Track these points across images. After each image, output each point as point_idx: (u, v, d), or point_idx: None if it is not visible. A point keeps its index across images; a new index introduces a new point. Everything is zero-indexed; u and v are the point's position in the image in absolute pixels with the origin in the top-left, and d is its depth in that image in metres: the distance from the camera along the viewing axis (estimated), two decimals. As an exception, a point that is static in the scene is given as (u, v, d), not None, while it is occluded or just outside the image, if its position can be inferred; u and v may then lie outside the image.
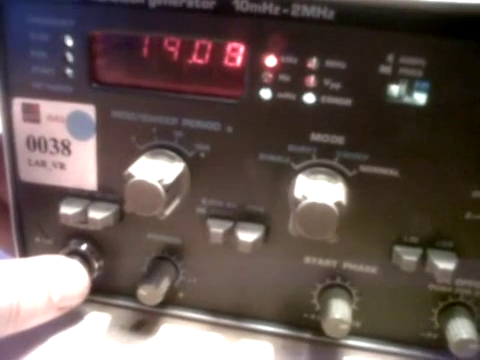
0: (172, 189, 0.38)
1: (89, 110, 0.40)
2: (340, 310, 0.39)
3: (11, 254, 0.47)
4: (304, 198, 0.35)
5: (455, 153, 0.36)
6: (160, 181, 0.36)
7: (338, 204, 0.34)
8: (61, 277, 0.40)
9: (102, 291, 0.46)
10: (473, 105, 0.35)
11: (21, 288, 0.37)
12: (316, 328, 0.42)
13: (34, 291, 0.38)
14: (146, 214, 0.37)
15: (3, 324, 0.35)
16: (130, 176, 0.37)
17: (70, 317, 0.43)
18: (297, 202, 0.35)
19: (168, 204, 0.38)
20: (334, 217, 0.34)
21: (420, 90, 0.35)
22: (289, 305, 0.43)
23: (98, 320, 0.45)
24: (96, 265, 0.45)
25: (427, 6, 0.33)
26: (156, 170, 0.38)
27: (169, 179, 0.37)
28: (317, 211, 0.34)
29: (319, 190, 0.36)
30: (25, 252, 0.47)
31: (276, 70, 0.36)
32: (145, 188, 0.36)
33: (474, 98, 0.35)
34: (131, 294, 0.44)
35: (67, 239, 0.45)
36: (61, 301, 0.40)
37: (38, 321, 0.38)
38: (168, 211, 0.38)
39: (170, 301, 0.45)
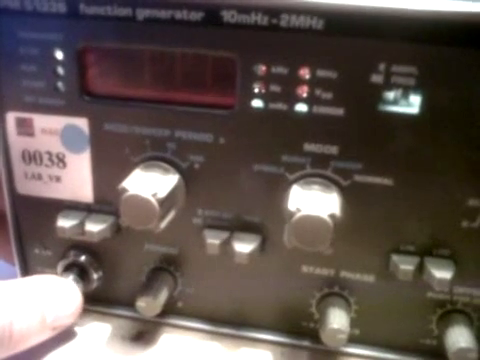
0: (166, 202, 0.38)
1: (82, 123, 0.40)
2: (338, 320, 0.39)
3: (12, 264, 0.47)
4: (298, 210, 0.35)
5: (450, 161, 0.36)
6: (154, 195, 0.36)
7: (332, 216, 0.34)
8: (54, 297, 0.40)
9: (102, 301, 0.47)
10: (466, 113, 0.34)
11: (14, 310, 0.37)
12: (315, 336, 0.42)
13: (27, 312, 0.38)
14: (141, 228, 0.37)
15: None
16: (124, 190, 0.37)
17: (70, 328, 0.43)
18: (291, 214, 0.35)
19: (163, 217, 0.38)
20: (328, 229, 0.34)
21: (413, 99, 0.35)
22: (288, 313, 0.43)
23: (98, 330, 0.45)
24: (95, 276, 0.45)
25: (418, 14, 0.32)
26: (150, 183, 0.38)
27: (163, 192, 0.37)
28: (311, 223, 0.34)
29: (313, 202, 0.35)
30: (25, 263, 0.47)
31: (267, 80, 0.36)
32: (139, 202, 0.36)
33: (467, 106, 0.34)
34: (131, 304, 0.44)
35: (66, 250, 0.45)
36: (54, 321, 0.40)
37: (32, 342, 0.38)
38: (163, 224, 0.38)
39: (169, 310, 0.45)
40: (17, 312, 0.37)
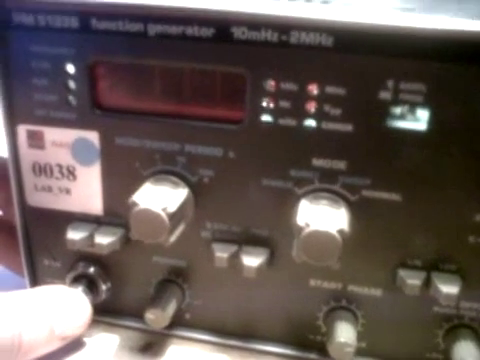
0: (176, 216, 0.38)
1: (93, 137, 0.41)
2: (345, 333, 0.39)
3: (21, 276, 0.48)
4: (307, 225, 0.35)
5: (457, 177, 0.36)
6: (164, 209, 0.37)
7: (341, 231, 0.35)
8: (63, 307, 0.41)
9: (110, 312, 0.47)
10: (474, 129, 0.35)
11: (23, 320, 0.37)
12: (322, 349, 0.42)
13: (36, 323, 0.38)
14: (151, 241, 0.38)
15: (5, 357, 0.36)
16: (134, 204, 0.37)
17: (78, 338, 0.43)
18: (300, 229, 0.35)
19: (172, 231, 0.38)
20: (337, 244, 0.34)
21: (421, 115, 0.35)
22: (295, 326, 0.44)
23: (106, 341, 0.45)
24: (104, 287, 0.45)
25: (426, 32, 0.33)
26: (160, 197, 0.38)
27: (173, 207, 0.37)
28: (320, 239, 0.35)
29: (322, 217, 0.36)
30: (34, 275, 0.47)
31: (276, 96, 0.36)
32: (149, 216, 0.37)
33: (475, 122, 0.35)
34: (139, 315, 0.45)
35: (75, 262, 0.46)
36: (63, 332, 0.40)
37: (40, 353, 0.39)
38: (173, 238, 0.38)
39: (177, 322, 0.45)
40: (26, 322, 0.37)
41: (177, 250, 0.43)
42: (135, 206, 0.37)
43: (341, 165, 0.37)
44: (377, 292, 0.41)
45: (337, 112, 0.36)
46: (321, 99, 0.36)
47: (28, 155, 0.42)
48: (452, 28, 0.32)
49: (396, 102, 0.35)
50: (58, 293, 0.42)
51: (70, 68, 0.39)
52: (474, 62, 0.33)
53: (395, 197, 0.37)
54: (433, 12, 0.35)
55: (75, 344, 0.43)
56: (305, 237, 0.35)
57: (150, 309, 0.42)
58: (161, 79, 0.39)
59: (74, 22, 0.38)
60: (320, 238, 0.34)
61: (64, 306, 0.41)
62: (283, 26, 0.35)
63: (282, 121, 0.37)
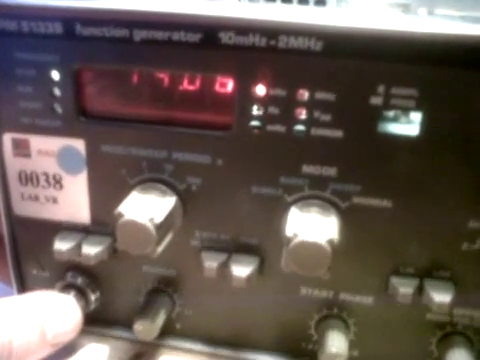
0: (163, 226, 0.37)
1: (79, 144, 0.40)
2: (336, 343, 0.39)
3: (10, 286, 0.47)
4: (295, 236, 0.34)
5: (450, 183, 0.35)
6: (150, 220, 0.36)
7: (330, 241, 0.34)
8: (54, 313, 0.40)
9: (100, 322, 0.46)
10: (466, 134, 0.34)
11: (13, 327, 0.37)
12: (314, 357, 0.41)
13: (26, 329, 0.38)
14: (138, 253, 0.37)
15: None
16: (120, 215, 0.36)
17: (68, 349, 0.43)
18: (289, 240, 0.34)
19: (160, 241, 0.37)
20: (326, 255, 0.34)
21: (413, 121, 0.34)
22: (287, 335, 0.43)
23: (96, 352, 0.45)
24: (92, 297, 0.44)
25: (417, 36, 0.32)
26: (147, 207, 0.37)
27: (160, 217, 0.37)
28: (309, 249, 0.34)
29: (311, 226, 0.35)
30: (23, 285, 0.46)
31: (265, 102, 0.36)
32: (135, 228, 0.36)
33: (467, 127, 0.34)
34: (129, 325, 0.44)
35: (63, 272, 0.45)
36: (54, 338, 0.39)
37: (32, 359, 0.38)
38: (160, 248, 0.38)
39: (168, 332, 0.45)
40: (17, 329, 0.37)
41: (166, 259, 0.42)
42: (121, 217, 0.36)
43: (331, 172, 0.37)
44: (369, 300, 0.40)
45: (327, 118, 0.35)
46: (311, 105, 0.35)
47: (14, 164, 0.42)
48: (444, 32, 0.32)
49: (387, 107, 0.34)
50: (48, 299, 0.42)
51: (55, 75, 0.38)
52: (467, 66, 0.32)
53: (386, 204, 0.37)
54: (429, 7, 0.34)
55: (64, 354, 0.43)
56: (293, 247, 0.34)
57: (138, 320, 0.41)
58: (147, 85, 0.38)
59: (58, 28, 0.37)
60: (309, 249, 0.34)
61: (54, 311, 0.41)
62: (271, 31, 0.34)
63: (271, 127, 0.36)
